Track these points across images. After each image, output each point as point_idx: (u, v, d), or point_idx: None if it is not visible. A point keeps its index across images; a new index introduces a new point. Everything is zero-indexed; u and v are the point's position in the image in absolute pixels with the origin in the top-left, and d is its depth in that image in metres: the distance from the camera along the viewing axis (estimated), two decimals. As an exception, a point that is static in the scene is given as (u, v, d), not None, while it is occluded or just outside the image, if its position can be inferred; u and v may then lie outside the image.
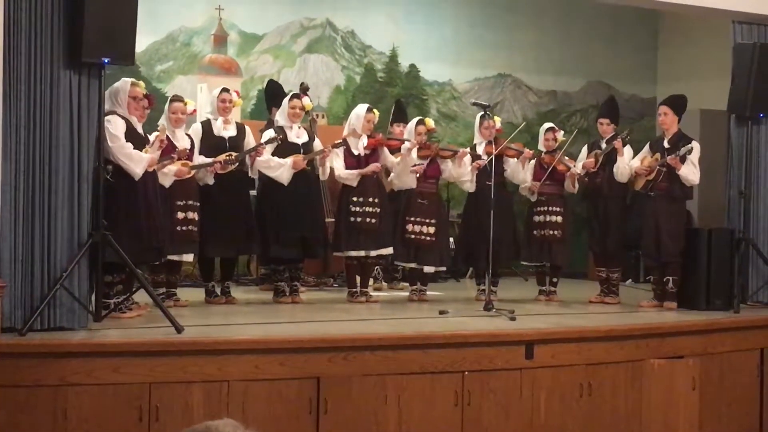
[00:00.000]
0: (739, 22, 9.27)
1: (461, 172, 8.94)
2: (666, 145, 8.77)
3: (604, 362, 7.26)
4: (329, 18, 12.05)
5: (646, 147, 8.98)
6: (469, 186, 9.04)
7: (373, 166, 8.51)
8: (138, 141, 7.05)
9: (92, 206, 6.43)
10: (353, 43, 12.23)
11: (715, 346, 7.95)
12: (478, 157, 8.98)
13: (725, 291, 8.77)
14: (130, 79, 7.19)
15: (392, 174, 8.91)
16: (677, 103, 8.88)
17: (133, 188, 6.94)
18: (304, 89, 9.91)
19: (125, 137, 6.90)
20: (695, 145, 8.64)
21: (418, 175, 8.75)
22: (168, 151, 7.53)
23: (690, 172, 8.61)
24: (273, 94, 9.70)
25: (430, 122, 9.14)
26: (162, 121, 7.88)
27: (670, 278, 8.70)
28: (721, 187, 9.60)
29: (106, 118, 6.71)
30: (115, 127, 6.85)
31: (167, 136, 7.54)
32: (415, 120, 9.09)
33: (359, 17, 12.18)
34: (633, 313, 8.54)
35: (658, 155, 8.73)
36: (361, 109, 8.74)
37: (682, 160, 8.55)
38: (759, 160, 9.32)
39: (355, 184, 8.49)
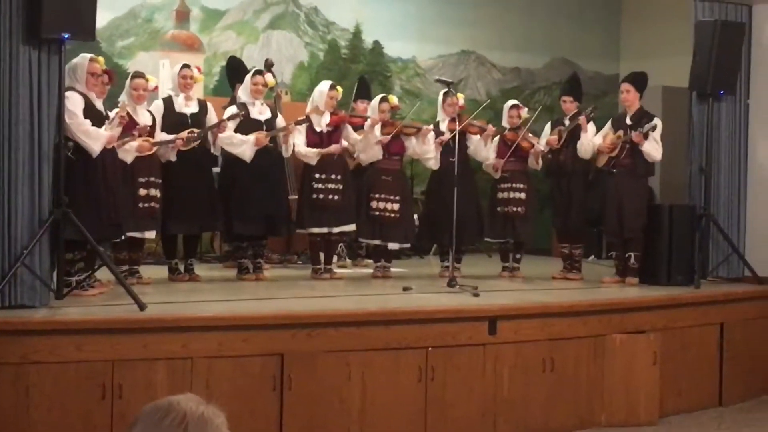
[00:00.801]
0: (701, 0, 9.32)
1: (425, 149, 8.95)
2: (628, 122, 8.82)
3: (567, 337, 7.33)
4: (292, -6, 11.98)
5: (608, 124, 9.03)
6: (433, 163, 9.05)
7: (333, 148, 8.49)
8: (97, 118, 6.97)
9: (53, 183, 6.37)
10: (317, 19, 12.17)
11: (676, 321, 8.04)
12: (442, 134, 8.99)
13: (686, 266, 8.87)
14: (89, 55, 7.10)
15: (358, 150, 8.89)
16: (639, 80, 8.93)
17: (92, 165, 6.87)
18: (268, 66, 9.86)
19: (84, 114, 6.82)
20: (658, 122, 8.70)
21: (384, 149, 8.73)
22: (129, 127, 7.48)
23: (653, 148, 8.67)
24: (234, 70, 9.64)
25: (393, 99, 9.13)
26: (122, 98, 7.81)
27: (632, 254, 8.78)
28: (682, 164, 9.68)
29: (65, 94, 6.64)
30: (73, 103, 6.77)
31: (128, 113, 7.48)
32: (378, 97, 9.08)
33: (323, -7, 12.12)
34: (595, 288, 8.62)
35: (620, 132, 8.78)
36: (324, 85, 8.72)
37: (645, 136, 8.60)
38: (719, 137, 9.41)
39: (314, 162, 8.48)
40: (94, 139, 6.84)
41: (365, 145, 8.75)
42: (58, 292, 6.49)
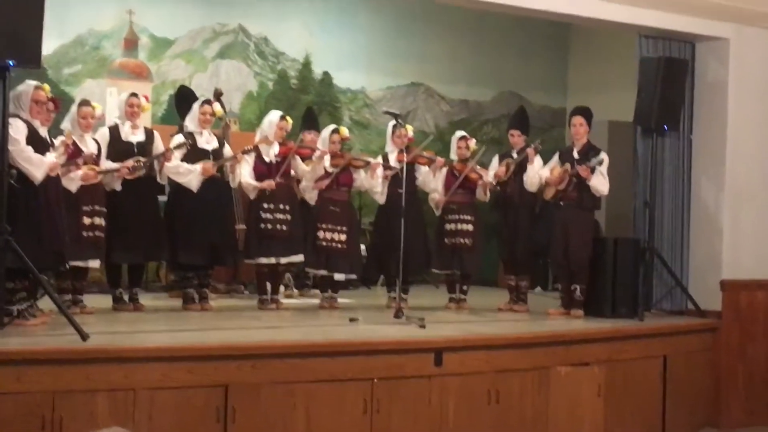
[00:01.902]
0: (645, 36, 9.47)
1: (373, 183, 8.97)
2: (576, 155, 8.91)
3: (512, 369, 7.35)
4: (242, 24, 11.98)
5: (555, 157, 9.11)
6: (380, 198, 9.08)
7: (266, 183, 8.44)
8: (41, 145, 6.90)
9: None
10: (266, 49, 12.18)
11: (620, 353, 8.11)
12: (390, 169, 9.01)
13: (630, 299, 8.95)
14: (33, 83, 7.04)
15: (302, 184, 8.88)
16: (589, 114, 9.04)
17: (34, 192, 6.78)
18: (218, 95, 9.84)
19: (27, 141, 6.74)
20: (605, 156, 8.80)
21: (332, 185, 8.75)
22: (74, 155, 7.42)
23: (600, 182, 8.76)
24: (183, 99, 9.61)
25: (344, 131, 9.15)
26: (66, 125, 7.74)
27: (578, 286, 8.84)
28: (627, 197, 9.79)
29: (9, 120, 6.56)
30: (16, 130, 6.70)
31: (74, 141, 7.42)
32: (329, 128, 9.09)
33: (272, 23, 12.13)
34: (541, 320, 8.67)
35: (567, 165, 8.86)
36: (274, 116, 8.71)
37: (592, 170, 8.69)
38: (663, 172, 9.53)
39: (252, 197, 8.46)
40: (37, 166, 6.76)
41: (313, 176, 8.75)
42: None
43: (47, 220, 6.87)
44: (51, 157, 6.92)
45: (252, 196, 8.47)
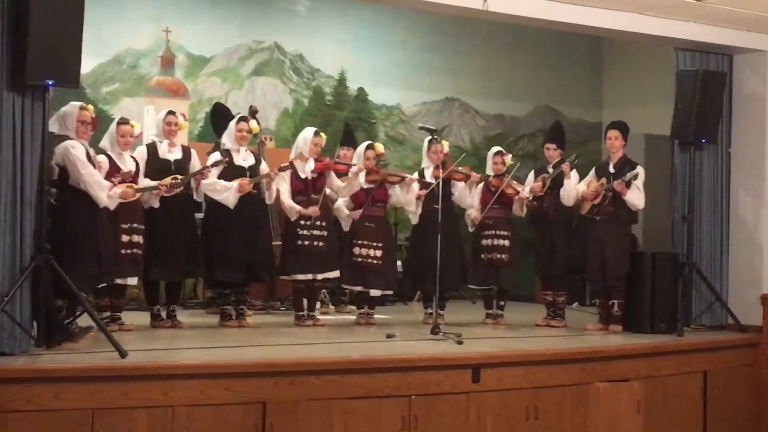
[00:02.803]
0: (682, 49, 9.43)
1: (408, 199, 8.97)
2: (611, 169, 8.87)
3: (550, 386, 7.31)
4: (277, 41, 12.04)
5: (592, 171, 9.07)
6: (413, 218, 9.08)
7: (311, 210, 8.45)
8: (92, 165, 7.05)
9: (35, 230, 6.33)
10: (301, 66, 12.23)
11: (659, 369, 8.04)
12: (426, 185, 9.00)
13: (669, 314, 8.88)
14: (78, 103, 7.11)
15: (337, 201, 8.88)
16: (625, 128, 9.00)
17: (92, 214, 6.96)
18: (253, 112, 9.88)
19: None
20: (640, 171, 8.74)
21: (368, 201, 8.75)
22: (112, 173, 7.48)
23: (635, 196, 8.71)
24: (220, 116, 9.66)
25: (379, 147, 9.15)
26: (105, 143, 7.81)
27: (615, 302, 8.78)
28: (665, 212, 9.72)
29: (69, 143, 6.69)
30: (80, 153, 6.84)
31: (112, 159, 7.52)
32: (364, 144, 9.10)
33: (308, 40, 12.19)
34: (579, 336, 8.61)
35: (603, 180, 8.82)
36: (309, 132, 8.73)
37: (628, 185, 8.64)
38: (702, 185, 9.47)
39: (293, 218, 8.46)
40: (103, 188, 6.99)
41: (348, 192, 8.76)
42: (39, 340, 6.43)
43: (102, 240, 6.98)
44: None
45: (293, 218, 8.47)
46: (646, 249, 10.48)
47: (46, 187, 6.48)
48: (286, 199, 8.49)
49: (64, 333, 6.60)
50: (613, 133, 8.96)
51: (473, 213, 9.20)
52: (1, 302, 6.11)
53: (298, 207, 8.46)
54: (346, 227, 8.85)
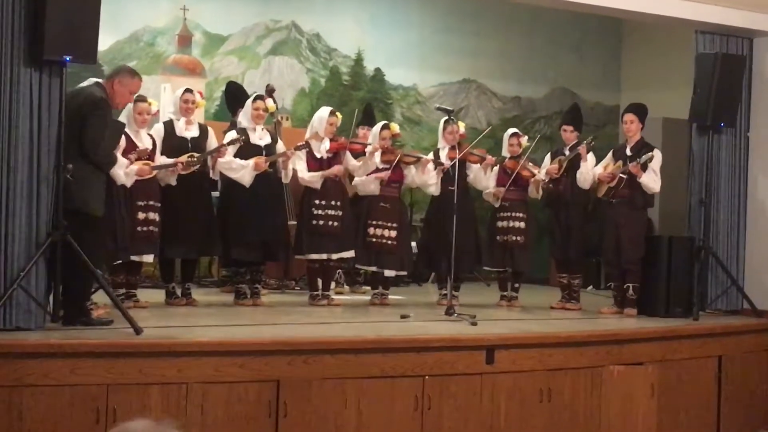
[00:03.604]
0: (702, 32, 9.36)
1: (424, 179, 8.95)
2: (628, 152, 8.83)
3: (564, 368, 7.29)
4: (294, 20, 12.02)
5: (609, 154, 9.04)
6: (434, 189, 9.04)
7: (335, 168, 8.49)
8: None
9: (52, 205, 6.35)
10: (318, 45, 12.21)
11: (674, 353, 8.01)
12: (441, 164, 8.98)
13: (685, 298, 8.86)
14: (94, 79, 7.07)
15: (355, 179, 8.88)
16: (642, 111, 8.95)
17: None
18: (270, 91, 9.87)
19: None
20: (656, 154, 8.71)
21: (382, 181, 8.74)
22: (128, 150, 7.50)
23: (651, 179, 8.67)
24: (233, 95, 9.67)
25: (395, 127, 9.14)
26: (122, 119, 7.80)
27: (630, 285, 8.76)
28: (682, 195, 9.68)
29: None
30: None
31: (129, 136, 7.53)
32: (380, 124, 9.08)
33: (325, 20, 12.17)
34: (593, 319, 8.59)
35: (620, 163, 8.78)
36: (324, 112, 8.72)
37: (644, 167, 8.60)
38: (719, 169, 9.42)
39: (318, 186, 8.46)
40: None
41: (364, 171, 8.75)
42: (54, 315, 6.46)
43: (119, 216, 7.02)
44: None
45: (318, 186, 8.43)
46: (663, 233, 10.45)
47: (63, 163, 6.48)
48: (304, 174, 8.48)
49: (85, 319, 6.60)
50: (629, 117, 8.92)
51: (492, 189, 9.16)
52: (17, 278, 6.13)
53: (318, 173, 8.44)
54: (377, 191, 8.78)
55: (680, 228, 9.69)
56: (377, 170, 8.78)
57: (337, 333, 6.91)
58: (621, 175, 8.67)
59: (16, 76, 6.19)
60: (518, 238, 9.11)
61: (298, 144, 8.56)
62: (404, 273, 9.42)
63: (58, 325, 6.41)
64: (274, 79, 11.41)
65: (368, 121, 9.77)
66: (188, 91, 8.37)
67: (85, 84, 7.01)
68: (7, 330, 6.13)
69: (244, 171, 8.21)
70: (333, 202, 8.50)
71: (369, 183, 8.79)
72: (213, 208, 8.45)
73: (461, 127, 9.24)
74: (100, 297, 7.02)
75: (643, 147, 8.81)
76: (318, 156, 8.57)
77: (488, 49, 13.02)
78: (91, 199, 6.61)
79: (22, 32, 6.21)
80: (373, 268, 8.94)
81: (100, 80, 7.05)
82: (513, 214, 9.16)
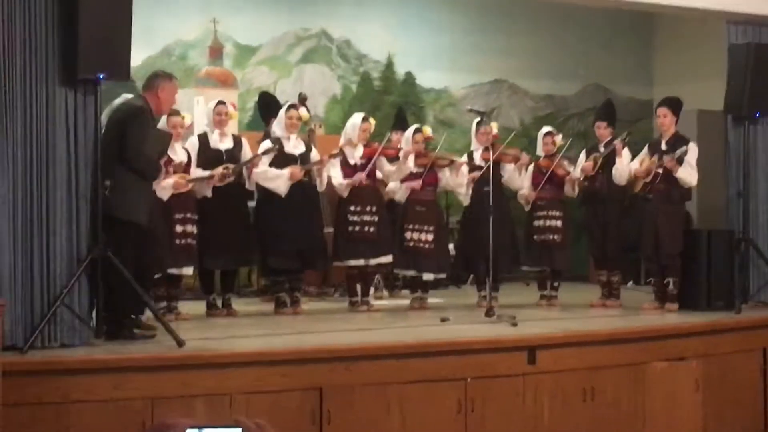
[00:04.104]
0: (733, 23, 9.29)
1: (458, 182, 8.96)
2: (664, 147, 8.77)
3: (607, 366, 7.26)
4: (324, 28, 12.06)
5: (645, 149, 8.98)
6: (464, 198, 9.06)
7: (357, 177, 8.48)
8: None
9: (91, 223, 6.42)
10: (349, 52, 12.24)
11: (717, 347, 7.94)
12: (475, 167, 8.97)
13: (726, 292, 8.78)
14: (129, 95, 7.15)
15: (390, 184, 8.89)
16: (675, 105, 8.89)
17: None
18: (302, 99, 9.90)
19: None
20: (692, 147, 8.65)
21: (413, 188, 8.76)
22: (165, 164, 7.55)
23: (687, 173, 8.61)
24: (266, 105, 9.71)
25: (427, 130, 9.15)
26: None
27: (671, 280, 8.70)
28: (720, 188, 9.60)
29: None
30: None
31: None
32: (412, 128, 9.09)
33: (354, 26, 12.20)
34: (634, 315, 8.54)
35: (655, 157, 8.73)
36: (357, 118, 8.74)
37: (679, 161, 8.55)
38: (757, 160, 9.33)
39: (345, 194, 8.49)
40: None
41: (398, 176, 8.76)
42: (98, 331, 6.52)
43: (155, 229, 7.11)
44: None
45: (345, 194, 8.50)
46: (702, 226, 10.37)
47: (101, 179, 6.54)
48: (338, 181, 8.51)
49: (128, 333, 6.65)
50: (662, 111, 8.86)
51: (526, 191, 9.16)
52: (60, 295, 6.20)
53: (345, 181, 8.46)
54: (402, 199, 8.81)
55: (719, 221, 9.61)
56: (411, 174, 8.79)
57: (378, 338, 6.93)
58: (657, 170, 8.62)
59: (51, 96, 6.26)
60: (555, 236, 9.08)
61: (333, 152, 8.59)
62: (443, 275, 9.42)
63: (102, 341, 6.47)
64: (305, 88, 11.44)
65: (401, 125, 9.76)
66: (221, 103, 8.44)
67: (119, 100, 7.09)
68: (52, 347, 6.20)
69: (279, 180, 8.25)
70: (368, 208, 8.53)
71: (397, 191, 8.80)
72: (250, 218, 8.51)
73: (494, 128, 9.22)
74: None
75: (678, 140, 8.75)
76: (352, 162, 8.59)
77: (519, 48, 12.99)
78: (134, 209, 6.66)
79: (56, 52, 6.28)
80: (412, 272, 8.96)
81: (131, 95, 7.13)
82: (549, 213, 9.14)
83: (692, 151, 8.63)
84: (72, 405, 5.74)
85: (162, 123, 7.85)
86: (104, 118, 6.77)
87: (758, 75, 8.96)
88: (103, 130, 6.62)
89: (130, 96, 7.17)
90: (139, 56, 10.23)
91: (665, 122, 8.82)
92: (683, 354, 7.67)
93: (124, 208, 6.59)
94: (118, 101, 7.08)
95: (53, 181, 6.25)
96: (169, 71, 7.47)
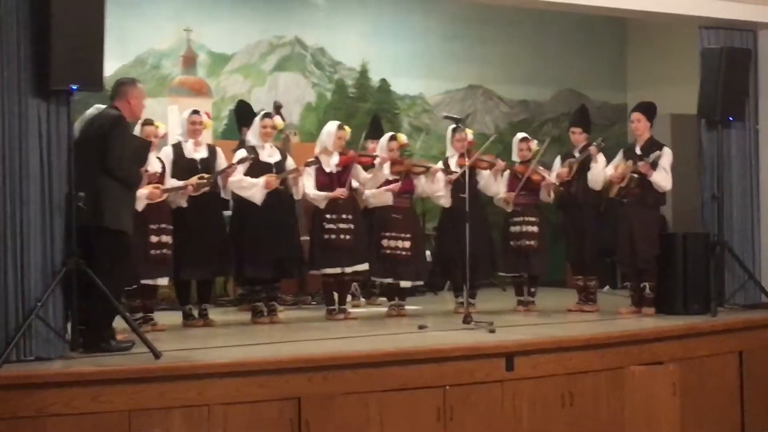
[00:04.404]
0: (705, 27, 9.36)
1: (434, 188, 8.96)
2: (638, 151, 8.80)
3: (585, 371, 7.28)
4: (298, 36, 12.03)
5: (620, 154, 9.01)
6: (444, 201, 9.06)
7: (338, 192, 8.46)
8: None
9: (65, 235, 6.37)
10: (323, 59, 12.22)
11: (694, 350, 7.99)
12: (450, 172, 8.98)
13: (702, 295, 8.82)
14: (102, 106, 7.09)
15: (366, 191, 8.88)
16: (649, 110, 8.92)
17: None
18: (277, 108, 9.89)
19: None
20: (666, 152, 8.69)
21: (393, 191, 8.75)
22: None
23: (662, 178, 8.64)
24: (243, 114, 9.68)
25: (402, 137, 9.13)
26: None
27: (647, 284, 8.73)
28: (694, 192, 9.65)
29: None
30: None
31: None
32: (387, 135, 9.08)
33: (328, 34, 12.17)
34: (611, 320, 8.56)
35: (630, 162, 8.76)
36: (332, 126, 8.73)
37: (653, 166, 8.58)
38: (730, 163, 9.40)
39: (322, 206, 8.48)
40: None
41: (374, 184, 8.75)
42: (73, 343, 6.47)
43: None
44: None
45: (322, 205, 8.48)
46: (677, 230, 10.41)
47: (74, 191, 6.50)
48: (311, 191, 8.50)
49: (105, 345, 6.60)
50: (636, 116, 8.90)
51: (503, 194, 9.15)
52: (34, 308, 6.14)
53: (324, 193, 8.45)
54: (389, 201, 8.78)
55: (694, 225, 9.67)
56: (387, 182, 8.78)
57: (356, 347, 6.90)
58: (631, 174, 8.65)
59: (24, 108, 6.21)
60: (532, 242, 9.09)
61: (308, 160, 8.57)
62: (420, 283, 9.41)
63: (78, 354, 6.42)
64: (280, 96, 11.43)
65: (375, 133, 9.74)
66: (195, 112, 8.39)
67: (91, 111, 7.04)
68: (27, 360, 6.14)
69: (255, 189, 8.22)
70: (344, 216, 8.51)
71: (382, 195, 8.78)
72: (225, 227, 8.46)
73: (469, 134, 9.24)
74: (118, 322, 7.02)
75: (652, 145, 8.78)
76: (327, 170, 8.58)
77: (493, 54, 13.01)
78: (123, 218, 6.66)
79: (28, 63, 6.24)
80: (389, 280, 8.94)
81: (104, 106, 7.09)
82: (525, 219, 9.15)
83: (666, 155, 8.67)
84: (48, 419, 5.70)
85: (136, 132, 7.81)
86: (76, 129, 6.71)
87: (731, 79, 9.03)
88: (75, 140, 6.57)
89: (102, 107, 7.12)
90: (112, 66, 10.18)
91: (639, 127, 8.86)
92: (660, 358, 7.70)
93: (115, 218, 6.59)
94: (90, 111, 7.03)
95: (26, 192, 6.21)
96: (132, 77, 7.43)
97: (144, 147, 7.25)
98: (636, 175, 8.63)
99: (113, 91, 6.99)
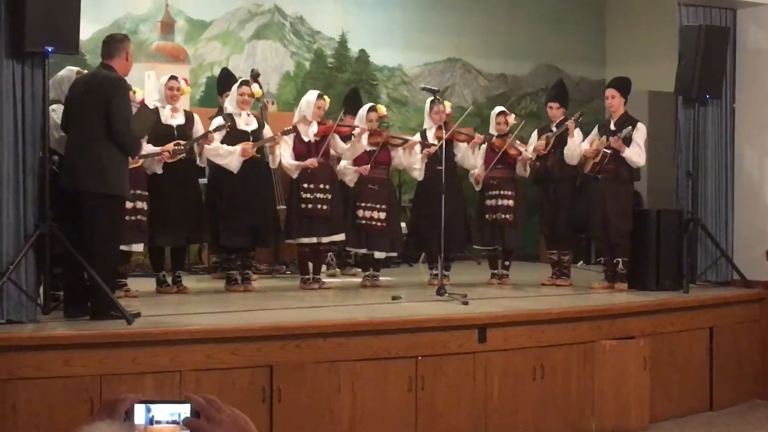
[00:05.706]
0: (685, 4, 9.35)
1: (411, 161, 8.96)
2: (612, 127, 8.83)
3: (556, 344, 7.32)
4: (277, 4, 11.97)
5: (595, 130, 9.03)
6: (418, 174, 9.06)
7: (309, 162, 8.43)
8: None
9: (38, 197, 6.33)
10: (302, 28, 12.16)
11: (665, 326, 8.05)
12: (429, 146, 8.98)
13: (675, 271, 8.88)
14: (74, 68, 7.09)
15: (341, 164, 8.85)
16: (623, 86, 8.94)
17: None
18: (254, 75, 9.83)
19: None
20: (640, 127, 8.71)
21: (360, 173, 8.73)
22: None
23: (635, 153, 8.67)
24: (225, 81, 9.62)
25: (381, 109, 9.12)
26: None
27: (620, 260, 8.78)
28: (669, 169, 9.69)
29: (52, 107, 6.61)
30: (59, 116, 6.76)
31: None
32: (366, 106, 9.07)
33: (307, 3, 12.12)
34: (584, 295, 8.62)
35: (604, 138, 8.78)
36: (312, 95, 8.70)
37: (627, 142, 8.61)
38: (706, 141, 9.42)
39: (294, 176, 8.46)
40: None
41: (352, 154, 8.74)
42: (46, 307, 6.45)
43: None
44: None
45: (294, 175, 8.48)
46: (651, 206, 10.47)
47: (48, 153, 6.46)
48: (286, 160, 8.48)
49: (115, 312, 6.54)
50: (610, 92, 8.91)
51: (476, 171, 9.19)
52: (6, 271, 6.11)
53: (296, 162, 8.44)
54: (351, 183, 8.82)
55: (669, 201, 9.70)
56: (365, 153, 8.77)
57: (329, 316, 6.92)
58: (605, 150, 8.67)
59: (-2, 69, 6.16)
60: (507, 216, 9.11)
61: (286, 128, 8.54)
62: (394, 254, 9.43)
63: (50, 317, 6.40)
64: (258, 64, 11.36)
65: (353, 107, 9.67)
66: (173, 78, 8.34)
67: (63, 72, 6.99)
68: (-1, 323, 6.13)
69: (231, 157, 8.20)
70: (322, 186, 8.50)
71: (346, 173, 8.77)
72: (201, 195, 8.44)
73: (447, 106, 9.24)
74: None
75: (627, 121, 8.80)
76: (306, 140, 8.55)
77: (472, 27, 12.99)
78: (122, 182, 6.63)
79: (2, 24, 6.17)
80: (364, 251, 8.95)
81: (77, 68, 7.03)
82: (501, 192, 9.16)
83: (640, 131, 8.69)
84: (19, 382, 5.68)
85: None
86: (67, 91, 6.66)
87: (708, 57, 9.04)
88: (69, 103, 6.52)
89: (75, 69, 7.06)
90: (88, 30, 10.12)
91: (613, 103, 8.88)
92: (632, 332, 7.76)
93: (117, 185, 6.55)
94: (62, 73, 6.97)
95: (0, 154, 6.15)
96: (123, 33, 7.37)
97: (150, 117, 7.19)
98: (609, 151, 8.65)
99: (108, 48, 6.81)
